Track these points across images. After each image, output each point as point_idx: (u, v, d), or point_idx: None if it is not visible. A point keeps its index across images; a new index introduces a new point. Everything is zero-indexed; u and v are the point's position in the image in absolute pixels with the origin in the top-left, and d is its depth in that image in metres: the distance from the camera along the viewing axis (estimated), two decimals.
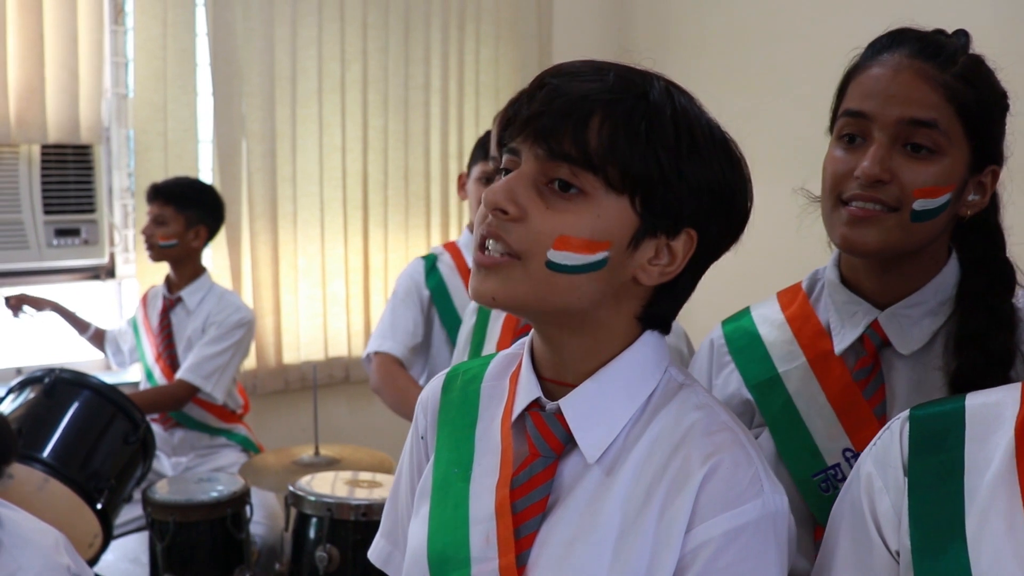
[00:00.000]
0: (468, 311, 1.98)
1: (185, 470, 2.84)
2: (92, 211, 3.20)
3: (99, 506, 2.17)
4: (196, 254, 2.95)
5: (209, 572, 2.20)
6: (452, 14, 3.65)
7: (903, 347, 1.16)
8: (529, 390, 0.97)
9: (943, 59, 1.10)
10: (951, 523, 0.85)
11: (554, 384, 0.97)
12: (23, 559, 1.47)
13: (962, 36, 1.15)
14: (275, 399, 3.48)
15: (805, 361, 1.22)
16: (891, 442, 0.93)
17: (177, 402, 2.81)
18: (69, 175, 3.14)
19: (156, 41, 3.14)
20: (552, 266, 0.88)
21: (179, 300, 2.92)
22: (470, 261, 2.49)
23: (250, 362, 3.35)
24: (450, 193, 3.69)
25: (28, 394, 2.32)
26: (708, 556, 0.87)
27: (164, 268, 3.00)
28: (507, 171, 0.92)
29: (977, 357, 1.10)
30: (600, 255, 0.89)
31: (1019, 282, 1.17)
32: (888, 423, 0.95)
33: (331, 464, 2.39)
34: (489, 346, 1.84)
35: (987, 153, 1.13)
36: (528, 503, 0.93)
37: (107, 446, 2.30)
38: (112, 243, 3.32)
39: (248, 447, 2.97)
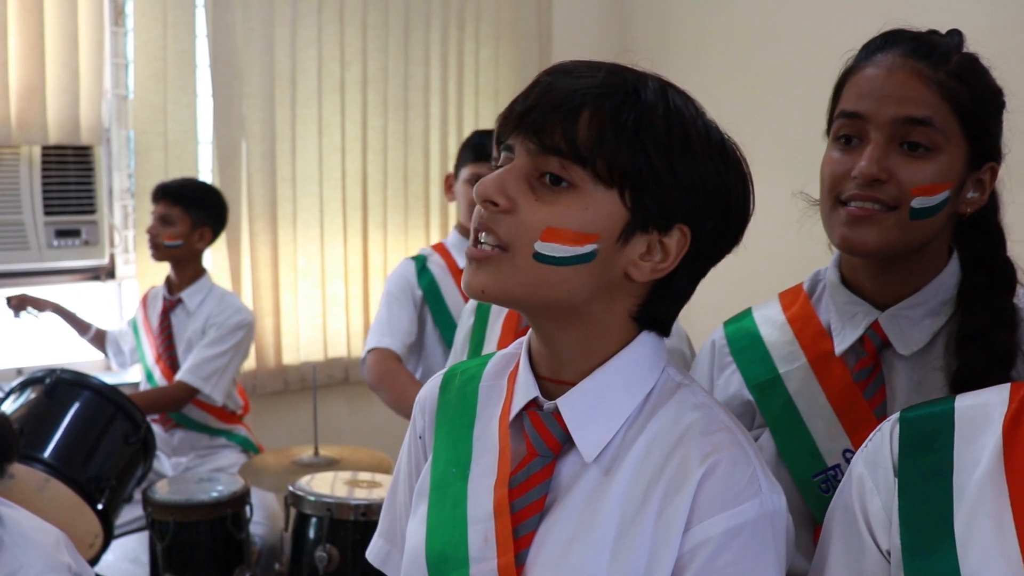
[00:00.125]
0: (466, 311, 1.98)
1: (185, 470, 2.85)
2: (92, 212, 3.20)
3: (100, 506, 2.18)
4: (199, 256, 2.96)
5: (209, 572, 2.20)
6: (452, 15, 3.65)
7: (903, 348, 1.17)
8: (527, 389, 0.97)
9: (937, 58, 1.11)
10: (940, 523, 0.86)
11: (552, 384, 0.97)
12: (24, 558, 1.47)
13: (955, 35, 1.15)
14: (275, 400, 3.49)
15: (806, 362, 1.22)
16: (882, 443, 0.93)
17: (177, 403, 2.81)
18: (69, 176, 3.14)
19: (156, 42, 3.14)
20: (540, 258, 0.89)
21: (179, 301, 2.92)
22: (460, 262, 2.51)
23: (250, 363, 3.35)
24: None
25: (29, 394, 2.32)
26: (706, 555, 0.87)
27: (164, 269, 3.01)
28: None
29: (978, 356, 1.10)
30: (588, 247, 0.89)
31: (1020, 281, 1.17)
32: (879, 425, 0.96)
33: (330, 464, 2.39)
34: (489, 346, 1.84)
35: (985, 150, 1.14)
36: (526, 502, 0.94)
37: (108, 446, 2.30)
38: (112, 244, 3.32)
39: (248, 448, 2.98)
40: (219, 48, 3.24)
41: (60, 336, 3.16)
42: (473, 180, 2.43)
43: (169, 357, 2.91)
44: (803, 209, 1.24)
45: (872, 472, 0.93)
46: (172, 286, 2.95)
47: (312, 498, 2.04)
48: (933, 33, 1.16)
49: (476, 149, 2.45)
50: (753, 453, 0.92)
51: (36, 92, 2.96)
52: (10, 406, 2.31)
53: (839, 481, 1.16)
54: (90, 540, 2.16)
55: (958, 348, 1.12)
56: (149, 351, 2.96)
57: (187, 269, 2.93)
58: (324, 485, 2.12)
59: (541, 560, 0.92)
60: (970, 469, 0.87)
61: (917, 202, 1.10)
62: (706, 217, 0.92)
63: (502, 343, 1.78)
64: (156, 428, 2.70)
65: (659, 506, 0.89)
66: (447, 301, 2.47)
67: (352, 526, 1.99)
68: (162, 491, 2.24)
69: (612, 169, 0.88)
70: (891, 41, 1.14)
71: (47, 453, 2.18)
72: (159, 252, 2.88)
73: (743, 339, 1.29)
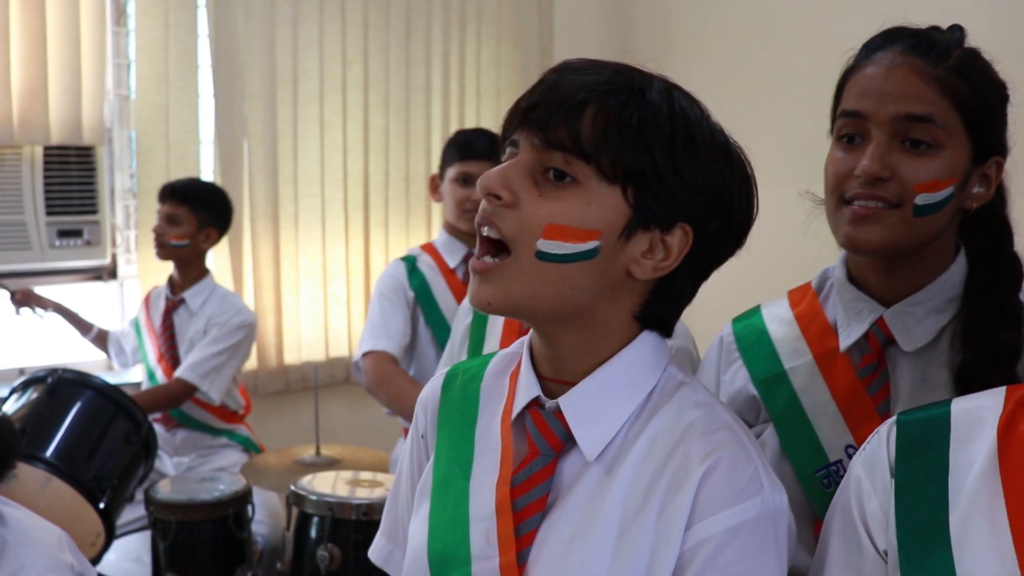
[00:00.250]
0: (462, 309, 1.97)
1: (187, 470, 2.85)
2: (94, 212, 3.20)
3: (102, 505, 2.18)
4: (203, 256, 2.96)
5: (211, 571, 2.20)
6: (453, 15, 3.66)
7: (907, 344, 1.17)
8: (529, 389, 0.98)
9: (936, 54, 1.11)
10: (936, 524, 0.87)
11: (554, 383, 0.97)
12: (27, 557, 1.47)
13: (956, 31, 1.15)
14: (276, 399, 3.49)
15: (811, 358, 1.23)
16: (879, 446, 0.94)
17: (175, 400, 2.81)
18: (71, 176, 3.14)
19: (158, 43, 3.15)
20: (542, 256, 0.89)
21: (182, 301, 2.93)
22: (450, 261, 2.51)
23: (251, 362, 3.35)
24: None
25: (31, 394, 2.33)
26: (708, 553, 0.87)
27: (165, 269, 3.01)
28: None
29: (983, 353, 1.10)
30: (590, 244, 0.89)
31: None
32: (877, 428, 0.97)
33: (332, 464, 2.39)
34: (490, 344, 1.83)
35: (989, 144, 1.13)
36: (528, 501, 0.94)
37: (109, 446, 2.30)
38: (114, 244, 3.32)
39: (249, 447, 2.98)
40: (221, 48, 3.25)
41: (62, 336, 3.16)
42: (459, 179, 2.42)
43: (171, 357, 2.91)
44: (809, 209, 1.24)
45: (870, 474, 0.93)
46: (175, 286, 2.95)
47: (314, 497, 2.04)
48: (933, 29, 1.15)
49: (461, 148, 2.44)
50: (754, 451, 0.92)
51: (38, 92, 2.96)
52: (12, 405, 2.31)
53: (841, 477, 1.16)
54: (92, 539, 2.16)
55: (963, 344, 1.12)
56: (151, 351, 2.96)
57: (191, 269, 2.93)
58: (326, 485, 2.12)
59: (543, 559, 0.92)
60: (965, 471, 0.88)
61: (920, 199, 1.10)
62: (709, 218, 0.92)
63: (504, 340, 1.78)
64: (158, 428, 2.70)
65: (660, 504, 0.89)
66: (438, 301, 2.46)
67: (354, 525, 1.99)
68: (164, 490, 2.24)
69: (616, 166, 0.88)
70: (891, 39, 1.14)
71: (49, 452, 2.18)
72: (164, 251, 2.88)
73: (751, 335, 1.30)
